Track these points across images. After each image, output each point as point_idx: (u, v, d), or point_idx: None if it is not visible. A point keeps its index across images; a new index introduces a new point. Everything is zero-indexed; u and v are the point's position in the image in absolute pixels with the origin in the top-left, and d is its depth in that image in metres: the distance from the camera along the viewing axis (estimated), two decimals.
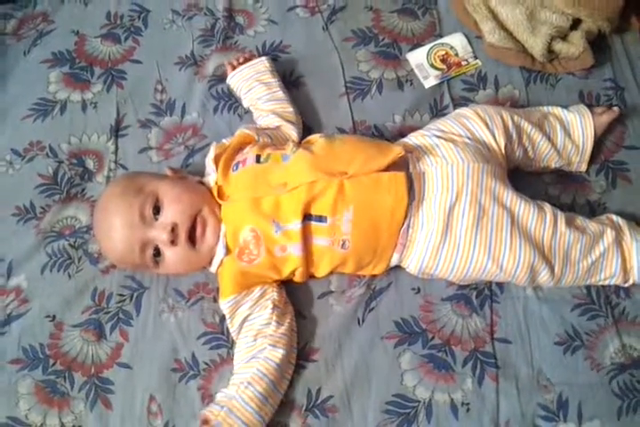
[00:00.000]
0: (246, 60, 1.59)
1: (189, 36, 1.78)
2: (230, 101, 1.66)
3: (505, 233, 1.30)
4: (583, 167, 1.51)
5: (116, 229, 1.32)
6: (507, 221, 1.31)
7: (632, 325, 1.37)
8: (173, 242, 1.32)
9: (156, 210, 1.33)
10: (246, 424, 1.23)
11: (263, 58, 1.58)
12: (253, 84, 1.56)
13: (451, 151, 1.35)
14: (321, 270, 1.36)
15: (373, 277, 1.42)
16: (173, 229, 1.31)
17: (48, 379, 1.40)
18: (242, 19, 1.80)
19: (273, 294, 1.36)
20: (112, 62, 1.76)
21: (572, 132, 1.47)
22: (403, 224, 1.31)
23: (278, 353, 1.30)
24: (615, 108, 1.50)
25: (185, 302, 1.44)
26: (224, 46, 1.75)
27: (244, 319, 1.34)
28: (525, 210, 1.32)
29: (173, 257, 1.34)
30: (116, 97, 1.70)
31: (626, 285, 1.37)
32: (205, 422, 1.23)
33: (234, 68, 1.59)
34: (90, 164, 1.62)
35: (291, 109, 1.55)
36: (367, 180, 1.30)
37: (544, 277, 1.32)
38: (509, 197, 1.33)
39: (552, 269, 1.31)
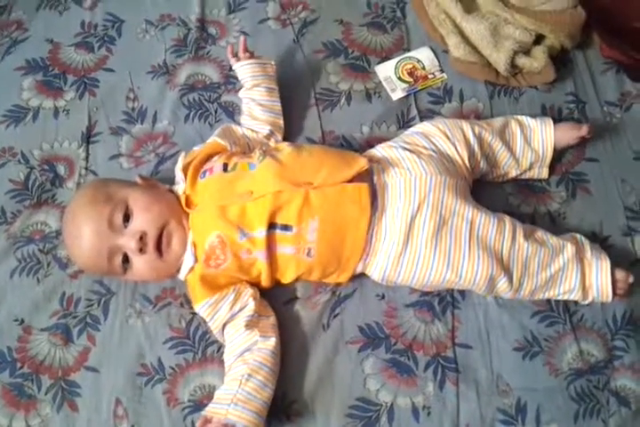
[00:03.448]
0: (251, 54, 1.60)
1: (162, 45, 1.81)
2: (201, 110, 1.69)
3: (464, 243, 1.33)
4: (544, 173, 1.53)
5: (84, 236, 1.33)
6: (465, 232, 1.33)
7: (590, 331, 1.40)
8: (142, 250, 1.33)
9: (126, 218, 1.35)
10: (255, 413, 1.24)
11: (272, 61, 1.60)
12: (259, 84, 1.57)
13: (415, 164, 1.38)
14: (287, 277, 1.39)
15: (338, 284, 1.44)
16: (142, 238, 1.33)
17: (15, 382, 1.40)
18: (214, 30, 1.83)
19: (248, 290, 1.38)
20: (85, 70, 1.78)
21: (533, 138, 1.50)
22: (367, 234, 1.34)
23: (271, 342, 1.32)
24: (584, 127, 1.49)
25: (152, 308, 1.45)
26: (196, 56, 1.78)
27: (229, 319, 1.35)
28: (485, 221, 1.35)
29: (141, 265, 1.35)
30: (88, 104, 1.72)
31: (585, 302, 1.39)
32: (207, 421, 1.23)
33: (236, 56, 1.59)
34: (61, 170, 1.63)
35: (281, 124, 1.58)
36: (332, 191, 1.32)
37: (502, 286, 1.34)
38: (470, 209, 1.35)
39: (510, 279, 1.33)
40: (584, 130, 1.49)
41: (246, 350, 1.31)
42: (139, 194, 1.38)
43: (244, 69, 1.57)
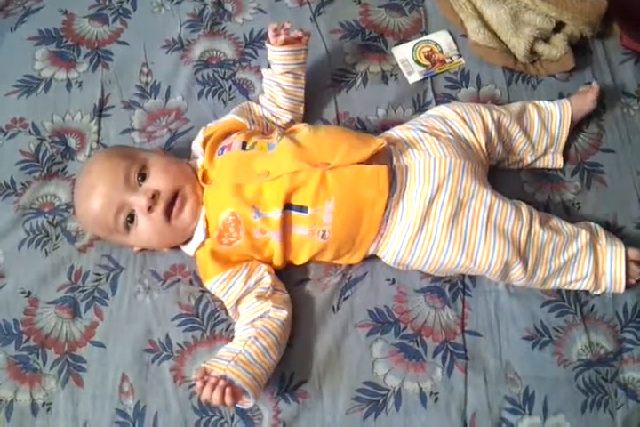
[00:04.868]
0: (288, 40, 1.49)
1: (177, 20, 1.79)
2: (215, 87, 1.67)
3: (480, 228, 1.32)
4: (558, 162, 1.53)
5: (97, 188, 1.34)
6: (483, 217, 1.33)
7: (600, 323, 1.39)
8: (150, 209, 1.33)
9: (142, 177, 1.35)
10: (253, 376, 1.22)
11: (306, 47, 1.53)
12: (287, 71, 1.51)
13: (434, 146, 1.37)
14: (300, 258, 1.39)
15: (349, 266, 1.44)
16: (154, 196, 1.33)
17: (21, 355, 1.40)
18: (230, 6, 1.81)
19: (262, 265, 1.37)
20: (99, 43, 1.76)
21: (550, 120, 1.50)
22: (383, 216, 1.33)
23: (282, 313, 1.32)
24: (594, 84, 1.53)
25: (161, 284, 1.44)
26: (211, 32, 1.76)
27: (245, 292, 1.34)
28: (503, 207, 1.34)
29: (146, 226, 1.35)
30: (102, 77, 1.70)
31: (598, 292, 1.38)
32: (206, 373, 1.22)
33: (277, 35, 1.48)
34: (72, 142, 1.62)
35: (301, 111, 1.57)
36: (349, 172, 1.31)
37: (516, 272, 1.33)
38: (488, 194, 1.35)
39: (525, 265, 1.33)
40: (595, 88, 1.53)
41: (258, 318, 1.31)
42: (158, 158, 1.41)
43: (276, 55, 1.50)
